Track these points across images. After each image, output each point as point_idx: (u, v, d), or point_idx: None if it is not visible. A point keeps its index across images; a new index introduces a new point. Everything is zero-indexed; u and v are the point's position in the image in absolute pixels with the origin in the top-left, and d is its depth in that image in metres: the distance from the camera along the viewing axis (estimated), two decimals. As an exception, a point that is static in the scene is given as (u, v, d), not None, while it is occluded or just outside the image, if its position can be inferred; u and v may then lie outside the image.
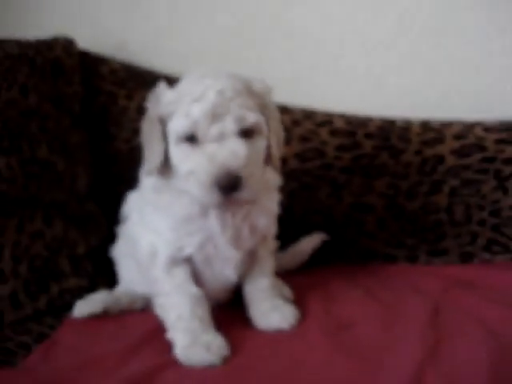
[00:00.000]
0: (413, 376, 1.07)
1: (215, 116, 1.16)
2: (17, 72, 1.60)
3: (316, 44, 1.87)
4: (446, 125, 1.70)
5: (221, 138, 1.16)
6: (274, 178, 1.34)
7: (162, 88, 1.25)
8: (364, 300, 1.41)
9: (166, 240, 1.27)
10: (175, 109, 1.20)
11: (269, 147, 1.24)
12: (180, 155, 1.20)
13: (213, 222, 1.26)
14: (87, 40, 1.89)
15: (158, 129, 1.22)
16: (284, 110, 1.74)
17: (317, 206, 1.69)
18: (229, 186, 1.14)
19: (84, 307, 1.42)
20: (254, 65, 1.89)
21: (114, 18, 1.95)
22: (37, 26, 1.93)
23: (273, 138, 1.24)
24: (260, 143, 1.22)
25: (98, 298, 1.45)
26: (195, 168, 1.16)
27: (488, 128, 1.67)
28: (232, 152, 1.15)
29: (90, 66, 1.84)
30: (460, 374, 1.07)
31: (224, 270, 1.32)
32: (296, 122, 1.74)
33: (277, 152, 1.26)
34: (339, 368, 1.13)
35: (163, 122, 1.22)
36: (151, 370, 1.16)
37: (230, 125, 1.16)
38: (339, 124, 1.73)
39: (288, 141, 1.66)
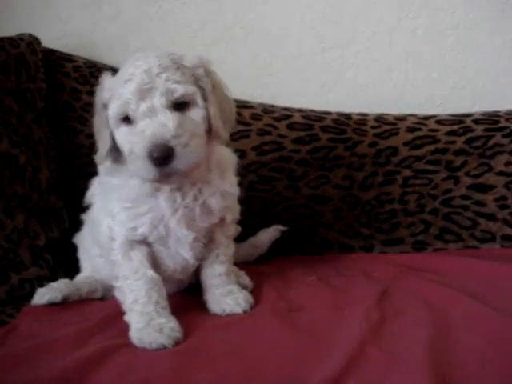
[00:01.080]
0: (355, 351, 1.10)
1: (143, 93, 1.19)
2: (-21, 67, 1.62)
3: (275, 42, 1.93)
4: (400, 118, 1.75)
5: (152, 113, 1.18)
6: (229, 158, 1.36)
7: (105, 76, 1.28)
8: (317, 286, 1.45)
9: (120, 221, 1.30)
10: (112, 93, 1.23)
11: (209, 119, 1.25)
12: (120, 137, 1.23)
13: (162, 202, 1.29)
14: (53, 38, 1.93)
15: (103, 116, 1.25)
16: (244, 104, 1.79)
17: (275, 197, 1.73)
18: (160, 156, 1.15)
19: (43, 295, 1.44)
20: (215, 61, 1.91)
21: (81, 17, 1.97)
22: (3, 25, 1.96)
23: (212, 108, 1.25)
24: (194, 114, 1.23)
25: (57, 286, 1.47)
26: (131, 146, 1.19)
27: (440, 120, 1.72)
28: (160, 124, 1.17)
29: (55, 62, 1.87)
30: (399, 349, 1.10)
31: (180, 250, 1.34)
32: (255, 117, 1.78)
33: (219, 122, 1.26)
34: (287, 346, 1.16)
35: (106, 109, 1.25)
36: (105, 351, 1.18)
37: (157, 100, 1.19)
38: (297, 118, 1.77)
39: (247, 135, 1.71)
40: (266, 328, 1.24)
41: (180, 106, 1.21)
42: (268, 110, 1.80)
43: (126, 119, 1.21)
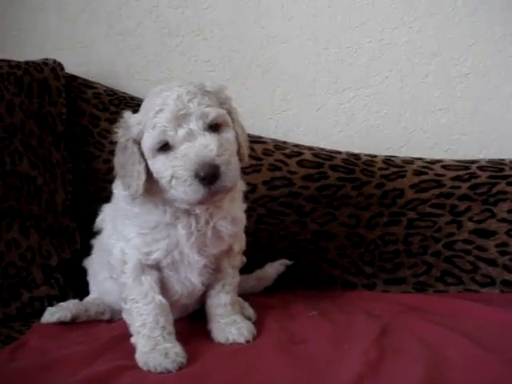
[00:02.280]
0: (352, 385, 1.14)
1: (179, 119, 1.24)
2: (4, 89, 1.69)
3: (291, 81, 1.99)
4: (408, 161, 1.80)
5: (191, 137, 1.24)
6: (238, 185, 1.39)
7: (127, 114, 1.33)
8: (318, 320, 1.49)
9: (135, 245, 1.35)
10: (143, 127, 1.28)
11: (236, 138, 1.32)
12: (159, 166, 1.26)
13: (180, 229, 1.33)
14: (76, 65, 2.01)
15: (135, 150, 1.29)
16: (257, 139, 1.84)
17: (282, 232, 1.78)
18: (209, 175, 1.21)
19: (53, 313, 1.49)
20: (233, 96, 1.98)
21: (105, 45, 2.05)
22: (29, 49, 2.03)
23: (239, 129, 1.33)
24: (229, 134, 1.30)
25: (67, 305, 1.52)
26: (174, 171, 1.23)
27: (446, 165, 1.77)
28: (203, 145, 1.23)
29: (76, 88, 1.93)
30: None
31: (189, 275, 1.39)
32: (267, 152, 1.83)
33: (244, 141, 1.34)
34: (287, 377, 1.20)
35: (137, 144, 1.30)
36: (110, 372, 1.22)
37: (194, 124, 1.24)
38: (307, 156, 1.82)
39: (259, 169, 1.77)
40: (268, 359, 1.28)
41: (213, 128, 1.27)
42: (280, 146, 1.85)
43: (163, 148, 1.25)
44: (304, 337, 1.39)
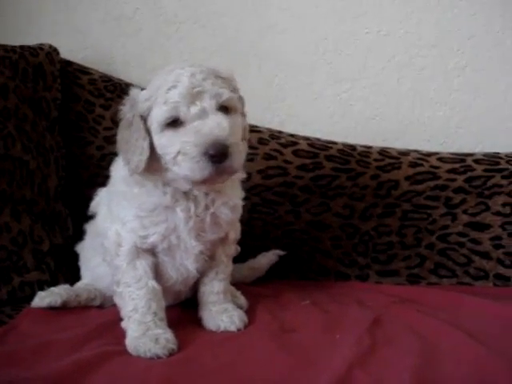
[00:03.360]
0: (343, 374, 1.13)
1: (193, 96, 1.23)
2: (-2, 73, 1.68)
3: (288, 70, 1.98)
4: (404, 153, 1.79)
5: (203, 115, 1.23)
6: (239, 172, 1.38)
7: (135, 91, 1.32)
8: (310, 310, 1.48)
9: (132, 228, 1.33)
10: (152, 103, 1.26)
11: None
12: (166, 141, 1.25)
13: (179, 213, 1.32)
14: (72, 51, 1.99)
15: (140, 126, 1.27)
16: (252, 129, 1.82)
17: (276, 221, 1.77)
18: (219, 153, 1.20)
19: (44, 298, 1.47)
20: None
21: (101, 31, 2.04)
22: (25, 34, 2.01)
23: (245, 118, 1.35)
24: (237, 118, 1.29)
25: (58, 290, 1.50)
26: (183, 146, 1.22)
27: (442, 158, 1.76)
28: (216, 122, 1.22)
29: (71, 74, 1.92)
30: (386, 375, 1.13)
31: (185, 261, 1.38)
32: (263, 141, 1.82)
33: (246, 132, 1.36)
34: (277, 365, 1.19)
35: (143, 120, 1.28)
36: (100, 357, 1.21)
37: (208, 102, 1.24)
38: (303, 146, 1.81)
39: (253, 158, 1.76)
40: (258, 347, 1.27)
41: (224, 110, 1.26)
42: (275, 135, 1.84)
43: (173, 123, 1.24)
44: (295, 325, 1.38)
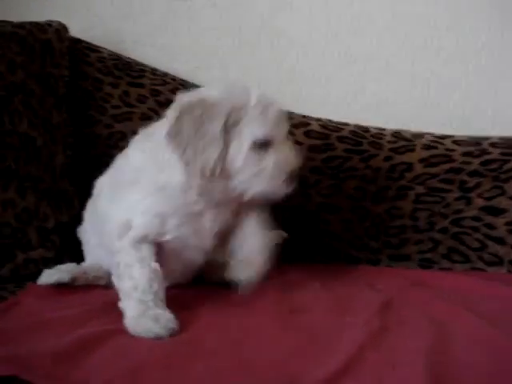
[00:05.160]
0: (354, 354, 1.10)
1: (281, 120, 1.33)
2: (6, 48, 1.65)
3: (299, 51, 1.94)
4: (418, 135, 1.75)
5: (286, 139, 1.34)
6: None
7: (213, 94, 1.29)
8: (320, 291, 1.45)
9: (149, 222, 1.31)
10: (241, 117, 1.27)
11: None
12: (253, 159, 1.28)
13: (206, 218, 1.34)
14: (81, 29, 1.95)
15: (221, 135, 1.26)
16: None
17: (286, 203, 1.73)
18: (295, 177, 1.32)
19: (52, 275, 1.44)
20: (239, 65, 1.96)
21: (111, 10, 2.00)
22: (34, 10, 1.99)
23: None
24: None
25: (65, 268, 1.48)
26: (269, 167, 1.29)
27: (457, 141, 1.72)
28: (296, 149, 1.36)
29: (80, 52, 1.89)
30: (398, 356, 1.09)
31: (192, 256, 1.37)
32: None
33: None
34: (285, 345, 1.15)
35: (227, 126, 1.27)
36: (101, 335, 1.18)
37: (286, 127, 1.36)
38: (314, 127, 1.77)
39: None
40: (265, 326, 1.24)
41: None
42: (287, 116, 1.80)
43: (264, 143, 1.29)
44: (304, 306, 1.35)
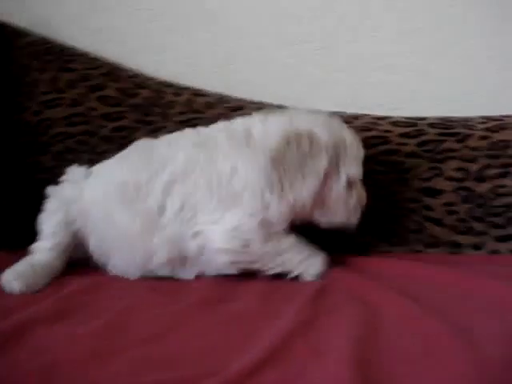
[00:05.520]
0: (279, 344, 1.06)
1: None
2: None
3: (236, 34, 1.89)
4: (354, 117, 1.72)
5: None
6: None
7: (324, 138, 1.36)
8: (253, 281, 1.41)
9: None
10: (338, 155, 1.37)
11: None
12: (344, 195, 1.39)
13: None
14: (8, 13, 1.87)
15: (322, 172, 1.35)
16: (198, 93, 1.76)
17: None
18: None
19: None
20: (175, 49, 1.90)
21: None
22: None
23: None
24: None
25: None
26: (353, 202, 1.40)
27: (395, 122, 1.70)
28: None
29: (8, 37, 1.81)
30: (325, 344, 1.06)
31: None
32: (209, 105, 1.75)
33: None
34: (210, 336, 1.12)
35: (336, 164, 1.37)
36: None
37: None
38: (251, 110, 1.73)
39: (199, 123, 1.67)
40: (192, 317, 1.20)
41: None
42: (223, 99, 1.76)
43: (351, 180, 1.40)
44: (235, 295, 1.31)
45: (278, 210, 1.34)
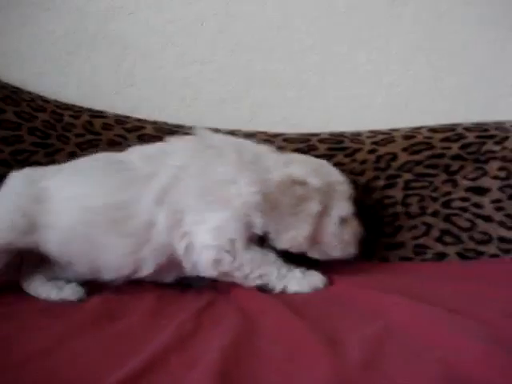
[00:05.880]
0: (156, 358, 1.09)
1: None
2: None
3: (137, 54, 1.93)
4: (250, 135, 1.78)
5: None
6: None
7: (314, 181, 1.43)
8: (143, 295, 1.44)
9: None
10: (330, 195, 1.45)
11: None
12: (338, 231, 1.46)
13: None
14: None
15: (316, 213, 1.43)
16: (97, 115, 1.78)
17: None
18: None
19: None
20: (76, 70, 1.93)
21: None
22: None
23: None
24: None
25: None
26: (348, 237, 1.48)
27: (288, 139, 1.76)
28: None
29: None
30: (199, 357, 1.10)
31: None
32: (107, 127, 1.77)
33: None
34: (94, 353, 1.14)
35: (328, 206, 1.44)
36: None
37: None
38: (149, 130, 1.77)
39: (96, 144, 1.69)
40: (79, 334, 1.22)
41: None
42: (121, 120, 1.80)
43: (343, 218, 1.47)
44: (123, 311, 1.34)
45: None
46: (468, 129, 1.76)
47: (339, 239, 1.45)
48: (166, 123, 1.81)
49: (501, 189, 1.71)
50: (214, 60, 1.92)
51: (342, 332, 1.16)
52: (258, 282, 1.41)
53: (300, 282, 1.41)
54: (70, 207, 1.40)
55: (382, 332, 1.16)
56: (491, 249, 1.66)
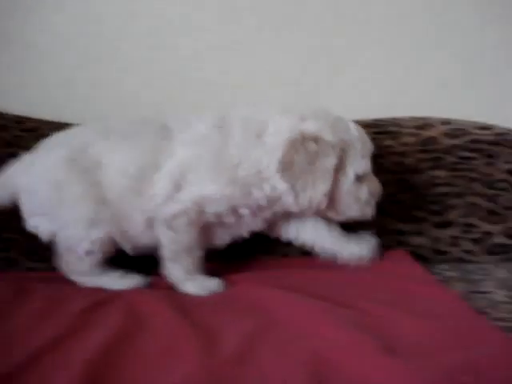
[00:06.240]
0: (28, 359, 1.08)
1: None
2: None
3: (39, 55, 1.89)
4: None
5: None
6: None
7: (328, 137, 1.39)
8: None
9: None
10: (345, 153, 1.41)
11: None
12: (355, 190, 1.44)
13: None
14: None
15: (332, 172, 1.39)
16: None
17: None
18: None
19: None
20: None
21: None
22: None
23: None
24: None
25: None
26: (364, 196, 1.46)
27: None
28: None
29: None
30: (73, 357, 1.09)
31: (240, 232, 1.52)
32: (3, 128, 1.74)
33: None
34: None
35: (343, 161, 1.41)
36: None
37: None
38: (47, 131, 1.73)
39: None
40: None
41: None
42: (19, 120, 1.77)
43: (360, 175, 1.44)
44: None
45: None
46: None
47: (355, 198, 1.44)
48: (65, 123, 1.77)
49: None
50: (118, 59, 1.88)
51: (224, 329, 1.20)
52: (174, 273, 1.47)
53: (196, 285, 1.43)
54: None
55: (263, 327, 1.18)
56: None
